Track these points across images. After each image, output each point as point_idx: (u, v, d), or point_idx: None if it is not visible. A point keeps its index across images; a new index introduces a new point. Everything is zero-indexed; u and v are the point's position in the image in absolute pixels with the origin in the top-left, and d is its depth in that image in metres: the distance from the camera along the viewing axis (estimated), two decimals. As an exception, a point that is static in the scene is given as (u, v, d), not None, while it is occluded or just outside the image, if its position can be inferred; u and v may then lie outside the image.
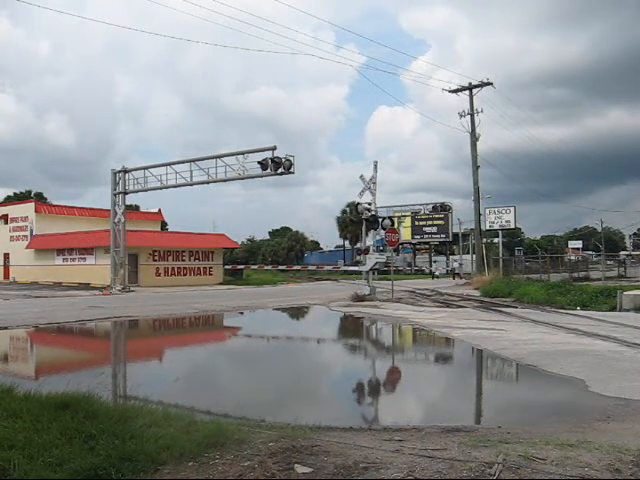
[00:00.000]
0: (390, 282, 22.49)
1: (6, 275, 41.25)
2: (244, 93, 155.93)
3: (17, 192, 69.26)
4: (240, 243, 60.53)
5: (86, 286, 32.32)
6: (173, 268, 36.61)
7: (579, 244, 79.76)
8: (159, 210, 47.25)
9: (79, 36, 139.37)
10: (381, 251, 28.36)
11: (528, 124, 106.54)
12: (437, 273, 49.89)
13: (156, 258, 35.60)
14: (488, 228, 39.92)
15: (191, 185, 27.78)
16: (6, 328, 13.56)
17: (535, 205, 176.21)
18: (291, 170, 23.91)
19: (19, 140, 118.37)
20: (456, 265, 48.29)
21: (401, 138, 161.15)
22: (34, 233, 39.27)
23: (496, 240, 47.44)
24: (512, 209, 39.26)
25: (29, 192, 67.71)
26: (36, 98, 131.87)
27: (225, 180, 26.96)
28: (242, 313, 19.19)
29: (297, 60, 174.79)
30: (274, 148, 23.86)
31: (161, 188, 29.05)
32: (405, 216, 50.74)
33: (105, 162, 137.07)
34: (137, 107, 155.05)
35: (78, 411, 4.69)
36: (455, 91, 34.79)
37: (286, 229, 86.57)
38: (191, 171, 27.16)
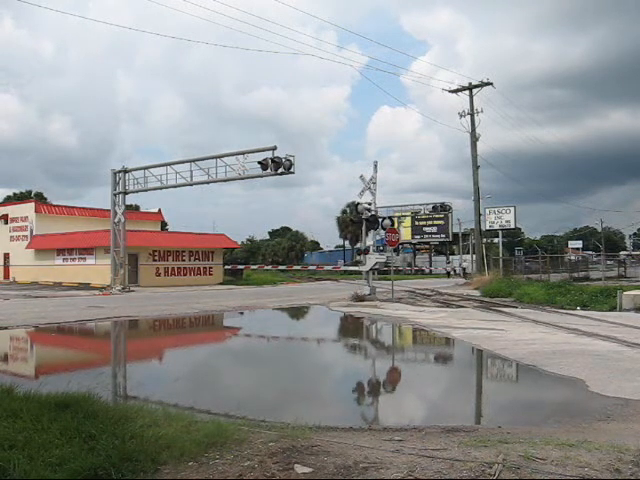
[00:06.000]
0: (390, 282, 22.48)
1: (6, 275, 41.24)
2: (246, 93, 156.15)
3: (17, 192, 69.30)
4: (240, 243, 60.46)
5: (86, 286, 32.29)
6: (173, 268, 36.59)
7: (579, 244, 79.80)
8: (159, 210, 47.22)
9: (82, 36, 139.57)
10: (381, 251, 28.30)
11: (529, 125, 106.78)
12: (451, 272, 51.02)
13: (156, 258, 35.56)
14: (488, 228, 39.89)
15: (191, 185, 27.76)
16: (6, 328, 13.55)
17: (535, 205, 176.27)
18: (291, 170, 23.89)
19: (22, 140, 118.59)
20: (465, 264, 48.64)
21: (402, 138, 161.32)
22: (34, 233, 39.23)
23: (496, 240, 47.41)
24: (512, 209, 39.22)
25: (29, 192, 67.67)
26: (39, 98, 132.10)
27: (225, 180, 26.95)
28: (242, 313, 19.18)
29: (299, 60, 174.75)
30: (274, 148, 23.85)
31: (161, 188, 29.04)
32: (405, 216, 50.70)
33: (107, 162, 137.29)
34: (139, 107, 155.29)
35: (78, 411, 4.69)
36: (455, 91, 34.78)
37: (286, 229, 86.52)
38: (191, 171, 27.16)
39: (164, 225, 52.98)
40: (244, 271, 41.91)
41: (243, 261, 57.69)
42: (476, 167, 33.82)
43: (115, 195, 29.80)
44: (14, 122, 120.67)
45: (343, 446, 4.30)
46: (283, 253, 71.53)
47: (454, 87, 34.93)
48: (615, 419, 5.59)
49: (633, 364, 8.35)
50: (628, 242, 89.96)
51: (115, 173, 29.77)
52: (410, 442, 4.56)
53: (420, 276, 50.29)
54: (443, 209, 47.93)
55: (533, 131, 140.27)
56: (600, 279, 28.69)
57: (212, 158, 26.89)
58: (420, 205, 48.39)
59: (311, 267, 45.60)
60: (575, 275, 33.65)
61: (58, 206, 44.00)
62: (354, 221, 52.55)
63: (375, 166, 23.75)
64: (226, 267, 40.54)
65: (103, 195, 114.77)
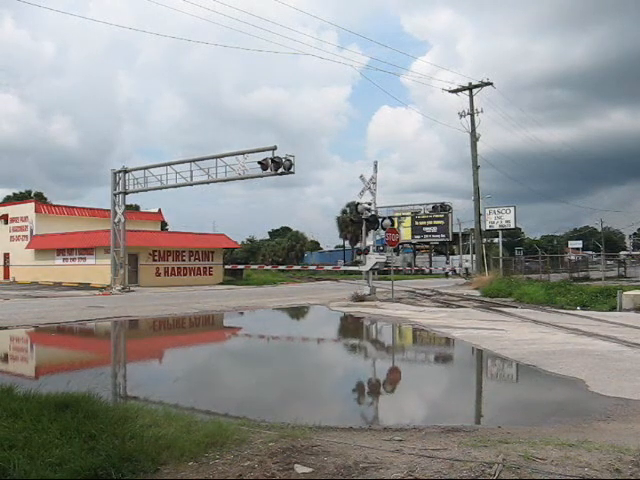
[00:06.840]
0: (390, 282, 22.48)
1: (6, 275, 41.23)
2: (246, 93, 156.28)
3: (17, 192, 69.28)
4: (240, 243, 60.38)
5: (86, 286, 32.29)
6: (173, 268, 36.59)
7: (579, 244, 79.81)
8: (159, 210, 47.20)
9: (82, 36, 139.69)
10: (381, 251, 28.32)
11: (529, 125, 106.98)
12: (450, 273, 51.21)
13: (156, 258, 35.57)
14: (488, 228, 39.90)
15: (191, 185, 27.75)
16: (6, 328, 13.56)
17: (535, 205, 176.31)
18: (291, 170, 23.88)
19: (22, 140, 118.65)
20: (467, 264, 48.85)
21: (403, 138, 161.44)
22: (34, 233, 39.23)
23: (496, 240, 47.43)
24: (512, 209, 39.24)
25: (29, 192, 67.65)
26: (39, 98, 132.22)
27: (225, 180, 26.94)
28: (242, 313, 19.18)
29: (300, 61, 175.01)
30: (274, 148, 23.84)
31: (161, 188, 29.03)
32: (405, 216, 50.75)
33: (107, 162, 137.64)
34: (139, 107, 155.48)
35: (78, 411, 4.69)
36: (455, 91, 34.78)
37: (286, 229, 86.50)
38: (191, 171, 27.15)
39: (164, 225, 52.97)
40: (244, 271, 41.90)
41: (243, 261, 57.69)
42: (476, 167, 33.82)
43: (115, 195, 29.79)
44: (14, 122, 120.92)
45: (343, 446, 4.30)
46: (283, 253, 71.47)
47: (454, 87, 34.95)
48: (615, 419, 5.59)
49: (633, 364, 8.35)
50: (628, 242, 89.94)
51: (115, 173, 29.76)
52: (410, 442, 4.56)
53: (420, 276, 50.27)
54: (443, 209, 48.09)
55: (533, 131, 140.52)
56: (600, 279, 28.66)
57: (212, 158, 26.89)
58: (420, 205, 48.54)
59: (311, 267, 45.54)
60: (575, 275, 33.64)
61: (58, 206, 43.97)
62: (354, 221, 52.64)
63: (375, 166, 23.76)
64: (226, 267, 40.55)
65: (103, 195, 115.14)
